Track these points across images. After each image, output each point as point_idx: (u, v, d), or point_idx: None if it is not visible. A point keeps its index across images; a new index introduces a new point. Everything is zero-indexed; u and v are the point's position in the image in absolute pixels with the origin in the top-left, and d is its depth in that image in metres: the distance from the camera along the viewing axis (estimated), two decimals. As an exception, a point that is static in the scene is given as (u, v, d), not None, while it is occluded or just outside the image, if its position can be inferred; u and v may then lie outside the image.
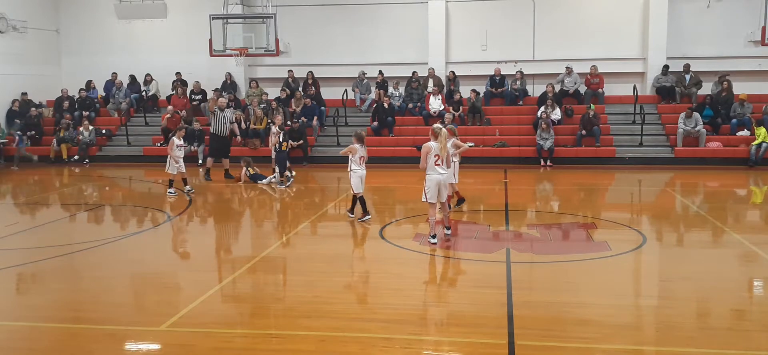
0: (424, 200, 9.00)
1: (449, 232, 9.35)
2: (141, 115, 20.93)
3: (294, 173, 15.37)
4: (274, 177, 14.76)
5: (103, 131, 20.14)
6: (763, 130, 16.99)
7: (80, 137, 19.49)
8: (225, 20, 18.50)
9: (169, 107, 19.55)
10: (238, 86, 21.16)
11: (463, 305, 6.61)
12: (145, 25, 21.79)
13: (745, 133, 17.52)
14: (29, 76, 21.22)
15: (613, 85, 19.72)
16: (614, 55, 19.78)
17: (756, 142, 16.93)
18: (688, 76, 19.19)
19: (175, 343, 5.65)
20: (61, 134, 19.56)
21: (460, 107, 19.01)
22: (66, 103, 20.69)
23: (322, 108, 19.77)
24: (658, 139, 18.21)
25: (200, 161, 17.95)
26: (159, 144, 18.95)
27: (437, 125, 9.22)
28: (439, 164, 8.83)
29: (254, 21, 19.19)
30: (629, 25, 19.94)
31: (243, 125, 18.27)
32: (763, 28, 17.26)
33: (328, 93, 20.45)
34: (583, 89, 19.53)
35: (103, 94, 21.60)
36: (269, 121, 18.26)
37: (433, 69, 20.10)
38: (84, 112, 20.40)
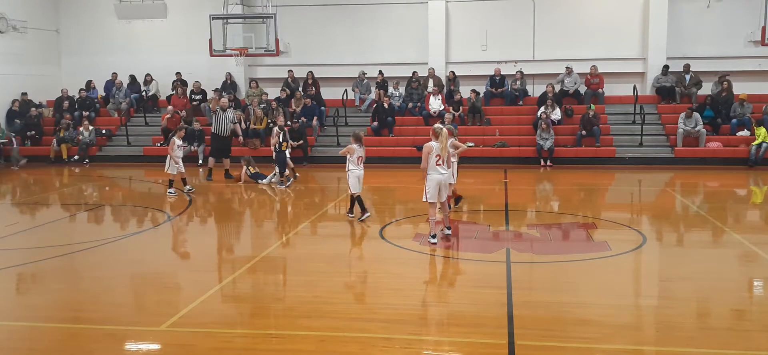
0: (424, 199, 9.02)
1: (449, 232, 9.36)
2: (141, 115, 20.92)
3: (297, 175, 15.35)
4: (275, 176, 14.77)
5: (103, 131, 20.14)
6: (763, 130, 16.99)
7: (80, 137, 19.48)
8: (225, 20, 18.49)
9: (169, 107, 19.55)
10: (238, 86, 21.15)
11: (463, 305, 6.61)
12: (145, 25, 21.78)
13: (745, 133, 17.51)
14: (29, 76, 21.20)
15: (613, 85, 19.71)
16: (614, 55, 19.77)
17: (756, 142, 16.92)
18: (688, 76, 19.17)
19: (175, 343, 5.66)
20: (61, 134, 19.55)
21: (460, 107, 18.99)
22: (66, 104, 20.68)
23: (322, 108, 19.76)
24: (658, 140, 18.20)
25: (200, 161, 17.96)
26: (159, 144, 18.95)
27: (438, 125, 9.25)
28: (439, 164, 8.85)
29: (254, 21, 19.18)
30: (629, 25, 19.93)
31: (243, 125, 18.26)
32: (763, 28, 17.26)
33: (328, 93, 20.44)
34: (583, 89, 19.52)
35: (103, 94, 21.59)
36: (269, 121, 18.26)
37: (433, 69, 20.09)
38: (84, 112, 20.40)
